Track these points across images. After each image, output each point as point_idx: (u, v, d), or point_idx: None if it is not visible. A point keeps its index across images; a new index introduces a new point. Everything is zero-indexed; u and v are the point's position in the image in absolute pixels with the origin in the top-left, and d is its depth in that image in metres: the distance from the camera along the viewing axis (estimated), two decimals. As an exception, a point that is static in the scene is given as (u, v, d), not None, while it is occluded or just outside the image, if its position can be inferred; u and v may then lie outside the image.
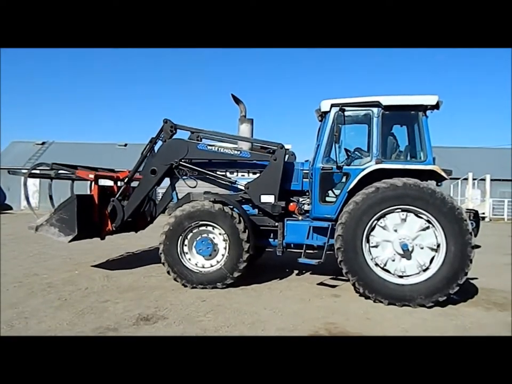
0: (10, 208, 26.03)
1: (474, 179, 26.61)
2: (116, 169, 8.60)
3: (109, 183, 7.61)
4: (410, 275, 5.68)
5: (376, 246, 5.81)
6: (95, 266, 7.94)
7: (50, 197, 7.16)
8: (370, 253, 5.81)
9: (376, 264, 5.78)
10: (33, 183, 26.51)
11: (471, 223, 11.03)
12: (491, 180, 26.49)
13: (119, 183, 7.49)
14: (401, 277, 5.71)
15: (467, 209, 13.48)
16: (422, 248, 5.67)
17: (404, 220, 5.72)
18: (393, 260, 5.75)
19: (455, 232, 5.51)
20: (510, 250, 11.19)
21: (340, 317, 5.15)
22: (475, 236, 12.20)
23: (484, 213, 25.69)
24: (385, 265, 5.76)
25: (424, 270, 5.64)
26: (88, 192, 7.22)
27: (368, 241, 5.81)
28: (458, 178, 27.65)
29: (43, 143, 30.59)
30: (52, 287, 6.28)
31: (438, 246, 5.61)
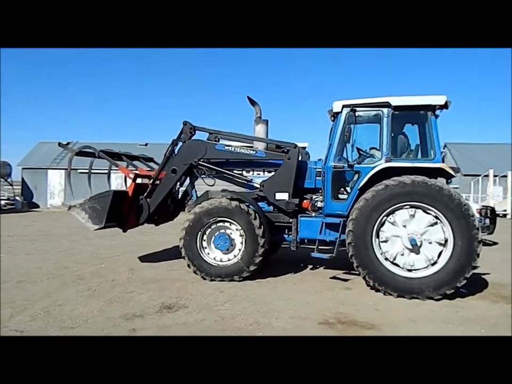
0: (38, 206, 27.02)
1: (495, 176, 26.18)
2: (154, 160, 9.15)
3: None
4: (419, 269, 5.90)
5: (385, 241, 6.05)
6: (120, 260, 8.42)
7: (89, 175, 7.84)
8: (380, 248, 6.05)
9: (386, 259, 6.02)
10: (58, 182, 27.65)
11: (485, 220, 11.04)
12: (513, 176, 26.00)
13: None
14: (410, 270, 5.94)
15: (483, 205, 13.38)
16: (430, 243, 5.88)
17: (413, 215, 5.95)
18: (402, 254, 5.98)
19: (462, 228, 5.70)
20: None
21: (350, 307, 5.44)
22: (491, 232, 12.18)
23: (505, 210, 25.29)
24: (394, 259, 6.00)
25: (433, 264, 5.86)
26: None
27: (378, 236, 6.06)
28: (479, 175, 27.31)
29: (68, 143, 31.54)
30: (81, 279, 6.75)
31: (446, 241, 5.81)
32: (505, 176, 25.78)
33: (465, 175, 30.95)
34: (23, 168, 28.14)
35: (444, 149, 36.39)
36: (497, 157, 30.32)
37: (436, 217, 5.86)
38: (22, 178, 27.97)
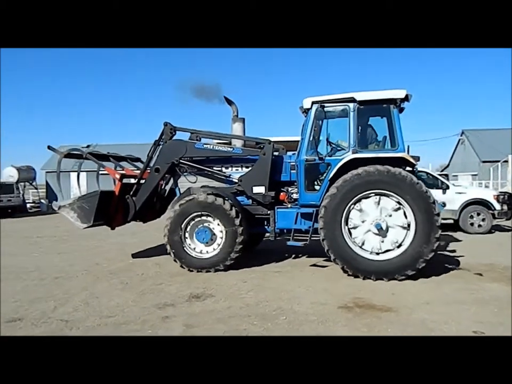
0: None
1: (515, 161, 25.18)
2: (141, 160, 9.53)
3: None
4: (386, 251, 6.30)
5: (354, 228, 6.44)
6: (146, 256, 8.76)
7: (78, 176, 8.83)
8: (350, 234, 6.44)
9: (355, 243, 6.41)
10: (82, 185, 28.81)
11: (502, 206, 11.06)
12: (533, 161, 24.93)
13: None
14: (377, 253, 6.33)
15: (500, 192, 13.00)
16: (394, 227, 6.28)
17: (378, 202, 6.33)
18: (370, 239, 6.38)
19: (422, 212, 6.08)
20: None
21: (367, 293, 5.65)
22: (509, 218, 11.97)
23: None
24: (363, 244, 6.40)
25: (398, 247, 6.25)
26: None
27: (347, 223, 6.44)
28: (498, 161, 26.28)
29: (88, 146, 32.15)
30: (113, 274, 7.14)
31: (409, 224, 6.20)
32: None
33: (484, 162, 29.81)
34: (47, 172, 29.30)
35: (461, 135, 34.13)
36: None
37: (399, 202, 6.23)
38: (46, 182, 29.23)
